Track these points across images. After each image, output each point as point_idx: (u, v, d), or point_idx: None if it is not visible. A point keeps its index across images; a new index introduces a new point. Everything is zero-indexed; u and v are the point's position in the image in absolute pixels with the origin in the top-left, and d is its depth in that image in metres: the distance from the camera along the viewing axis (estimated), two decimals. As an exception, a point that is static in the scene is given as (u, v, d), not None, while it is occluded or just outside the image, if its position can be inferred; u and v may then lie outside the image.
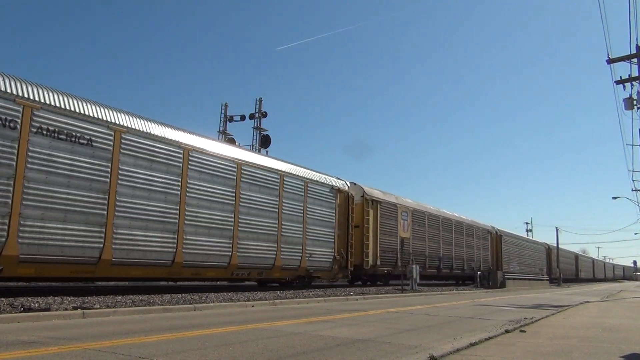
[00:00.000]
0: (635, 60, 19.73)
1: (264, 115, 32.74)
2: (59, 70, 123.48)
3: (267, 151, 30.77)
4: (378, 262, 24.10)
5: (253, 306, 12.28)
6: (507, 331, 8.27)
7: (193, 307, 11.09)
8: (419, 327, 9.20)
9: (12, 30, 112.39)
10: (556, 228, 59.94)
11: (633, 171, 34.85)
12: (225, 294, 14.72)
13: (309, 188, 19.56)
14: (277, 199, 17.82)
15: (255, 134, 32.65)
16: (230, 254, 15.75)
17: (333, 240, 20.78)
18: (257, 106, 33.08)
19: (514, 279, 37.28)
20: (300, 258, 18.80)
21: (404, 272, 24.21)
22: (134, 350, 5.64)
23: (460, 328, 9.09)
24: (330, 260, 20.50)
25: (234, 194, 16.07)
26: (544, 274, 52.54)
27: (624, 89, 20.57)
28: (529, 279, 42.01)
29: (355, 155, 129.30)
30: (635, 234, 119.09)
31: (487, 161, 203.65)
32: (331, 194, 20.95)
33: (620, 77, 20.79)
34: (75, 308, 9.41)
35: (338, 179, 22.32)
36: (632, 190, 40.41)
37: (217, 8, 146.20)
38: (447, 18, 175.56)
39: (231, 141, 30.79)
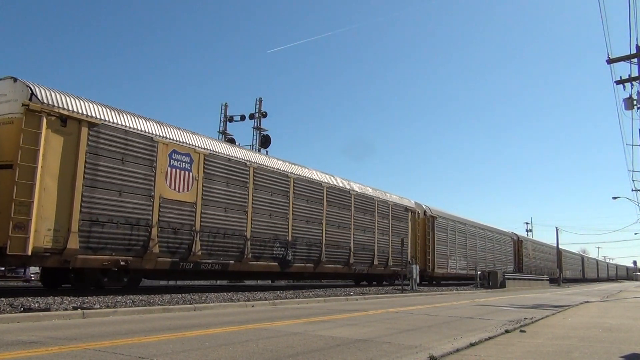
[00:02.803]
0: (635, 60, 19.72)
1: (264, 115, 32.79)
2: (59, 68, 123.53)
3: (267, 151, 30.83)
4: (76, 245, 12.12)
5: (253, 306, 12.29)
6: (507, 331, 8.27)
7: (193, 307, 11.10)
8: (418, 327, 9.20)
9: (11, 29, 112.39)
10: (556, 228, 59.92)
11: (633, 171, 34.84)
12: (225, 294, 14.74)
13: None
14: None
15: (255, 134, 32.70)
16: None
17: None
18: (257, 106, 33.13)
19: (514, 279, 37.21)
20: None
21: (403, 272, 23.83)
22: (134, 350, 5.65)
23: (460, 328, 9.09)
24: None
25: None
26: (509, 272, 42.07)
27: (624, 89, 20.57)
28: (529, 279, 41.87)
29: (356, 156, 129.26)
30: (635, 234, 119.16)
31: (488, 161, 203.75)
32: None
33: (620, 77, 20.78)
34: (75, 308, 9.42)
35: None
36: (632, 190, 40.40)
37: (218, 8, 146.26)
38: (446, 19, 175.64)
39: (231, 141, 30.80)
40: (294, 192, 19.41)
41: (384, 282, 27.68)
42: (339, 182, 22.83)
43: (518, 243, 47.67)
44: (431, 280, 32.21)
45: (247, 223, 16.99)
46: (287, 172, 19.44)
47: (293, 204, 19.30)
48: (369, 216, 24.47)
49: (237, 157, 17.14)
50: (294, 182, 19.52)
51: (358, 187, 24.19)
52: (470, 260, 35.62)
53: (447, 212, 34.67)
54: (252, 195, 17.33)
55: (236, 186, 16.79)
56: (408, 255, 27.00)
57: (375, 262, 24.50)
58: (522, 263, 47.27)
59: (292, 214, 19.16)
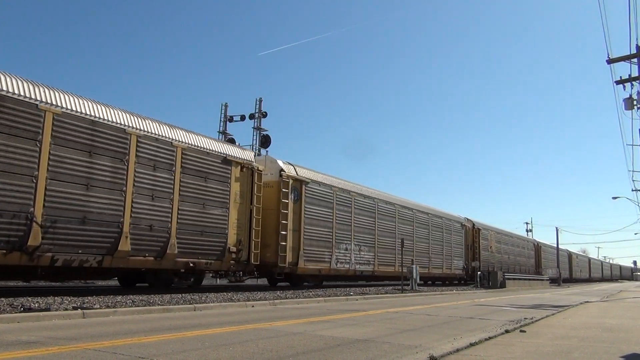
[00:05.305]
0: (635, 60, 19.74)
1: (264, 115, 32.83)
2: (60, 67, 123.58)
3: (267, 151, 30.87)
4: None
5: (253, 306, 12.29)
6: (507, 331, 8.27)
7: (193, 307, 11.10)
8: (418, 327, 9.20)
9: (10, 26, 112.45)
10: (556, 228, 59.75)
11: (633, 171, 34.85)
12: (225, 294, 14.74)
13: None
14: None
15: (255, 134, 32.72)
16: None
17: None
18: (257, 106, 33.16)
19: (514, 279, 37.24)
20: None
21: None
22: (134, 350, 5.65)
23: (460, 328, 9.09)
24: None
25: None
26: (458, 272, 33.03)
27: (624, 89, 20.59)
28: (529, 279, 41.93)
29: (357, 156, 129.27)
30: (635, 234, 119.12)
31: (488, 161, 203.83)
32: None
33: (620, 77, 20.82)
34: (75, 308, 9.42)
35: None
36: (632, 190, 40.41)
37: (219, 8, 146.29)
38: (444, 18, 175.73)
39: (231, 141, 30.85)
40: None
41: (173, 284, 16.33)
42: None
43: (473, 231, 36.20)
44: (297, 279, 20.90)
45: None
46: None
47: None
48: (104, 161, 13.03)
49: None
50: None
51: (67, 101, 12.46)
52: (383, 252, 24.79)
53: (337, 177, 22.78)
54: None
55: None
56: (227, 238, 16.34)
57: (126, 246, 13.38)
58: (479, 257, 35.95)
59: None
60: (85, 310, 9.09)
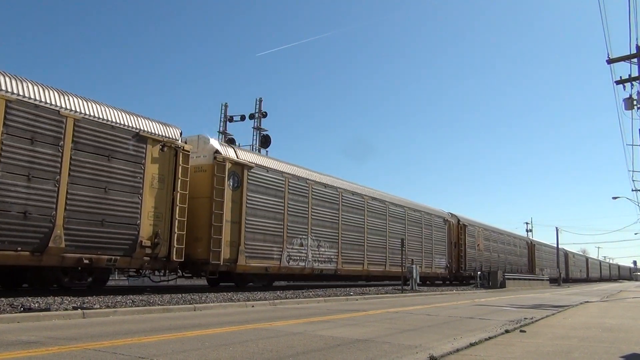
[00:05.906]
0: (635, 60, 19.75)
1: (264, 115, 32.86)
2: (60, 67, 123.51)
3: (267, 151, 30.89)
4: None
5: (253, 306, 12.29)
6: (507, 331, 8.27)
7: (193, 307, 11.10)
8: (419, 327, 9.20)
9: (8, 24, 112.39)
10: (556, 228, 59.69)
11: (633, 171, 34.87)
12: (225, 294, 14.73)
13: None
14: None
15: (255, 134, 32.75)
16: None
17: None
18: (257, 106, 33.19)
19: (514, 279, 37.22)
20: None
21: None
22: (134, 350, 5.64)
23: (460, 328, 9.09)
24: None
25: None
26: (440, 271, 30.89)
27: (624, 89, 20.60)
28: (529, 279, 41.92)
29: (356, 156, 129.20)
30: (635, 234, 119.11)
31: (488, 161, 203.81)
32: None
33: (620, 77, 20.82)
34: (75, 308, 9.42)
35: None
36: (632, 190, 40.42)
37: (218, 8, 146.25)
38: (443, 18, 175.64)
39: (231, 141, 30.89)
40: None
41: (63, 284, 13.16)
42: None
43: (458, 228, 33.68)
44: (239, 279, 18.32)
45: None
46: None
47: None
48: None
49: None
50: None
51: None
52: (348, 249, 22.16)
53: (290, 163, 20.19)
54: None
55: None
56: (140, 229, 13.61)
57: None
58: (464, 256, 33.88)
59: None
60: (85, 310, 9.09)
